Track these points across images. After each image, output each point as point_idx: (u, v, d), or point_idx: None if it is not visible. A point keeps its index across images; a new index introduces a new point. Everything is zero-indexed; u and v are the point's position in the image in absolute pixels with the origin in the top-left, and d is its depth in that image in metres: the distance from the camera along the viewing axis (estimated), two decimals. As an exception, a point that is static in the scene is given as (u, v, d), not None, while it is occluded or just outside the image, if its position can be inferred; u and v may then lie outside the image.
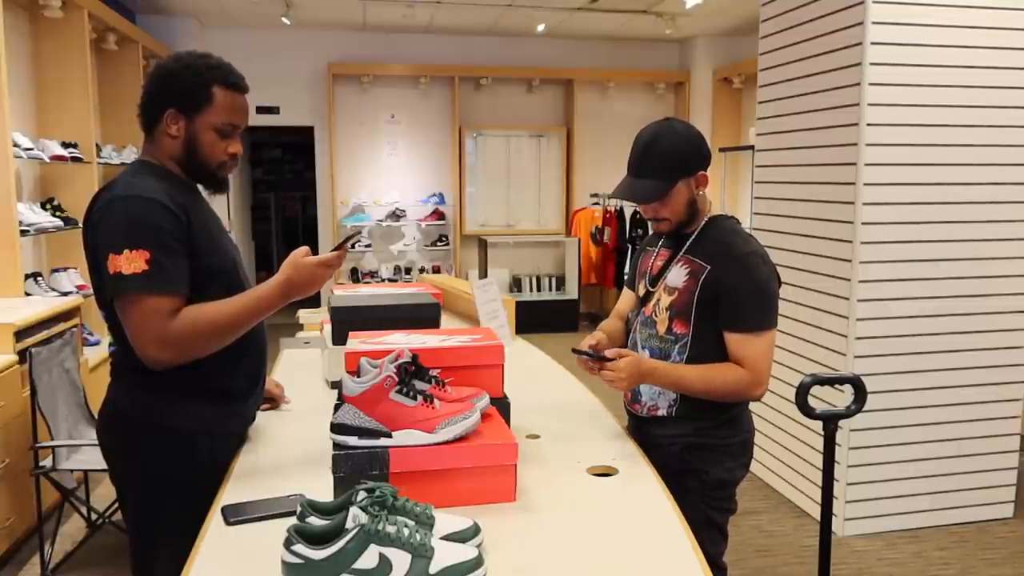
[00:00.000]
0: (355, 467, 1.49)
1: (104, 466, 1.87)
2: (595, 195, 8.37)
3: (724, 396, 1.93)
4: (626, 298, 2.26)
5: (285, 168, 11.83)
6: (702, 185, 1.97)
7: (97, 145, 5.17)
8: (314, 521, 1.26)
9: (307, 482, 1.63)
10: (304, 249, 1.76)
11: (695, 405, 1.96)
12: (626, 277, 2.30)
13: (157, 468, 1.75)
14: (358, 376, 1.60)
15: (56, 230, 4.43)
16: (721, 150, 7.42)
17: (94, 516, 3.33)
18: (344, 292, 2.65)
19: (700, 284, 1.93)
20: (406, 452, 1.50)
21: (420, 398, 1.55)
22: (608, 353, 1.88)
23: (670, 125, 1.95)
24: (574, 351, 1.95)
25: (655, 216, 2.00)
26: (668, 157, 1.92)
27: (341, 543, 1.19)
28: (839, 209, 3.50)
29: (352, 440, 1.51)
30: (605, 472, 1.77)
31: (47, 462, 3.07)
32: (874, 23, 3.29)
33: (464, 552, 1.26)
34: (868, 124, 3.34)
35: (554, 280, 8.61)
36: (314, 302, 2.19)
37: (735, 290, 1.89)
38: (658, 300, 2.02)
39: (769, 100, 4.07)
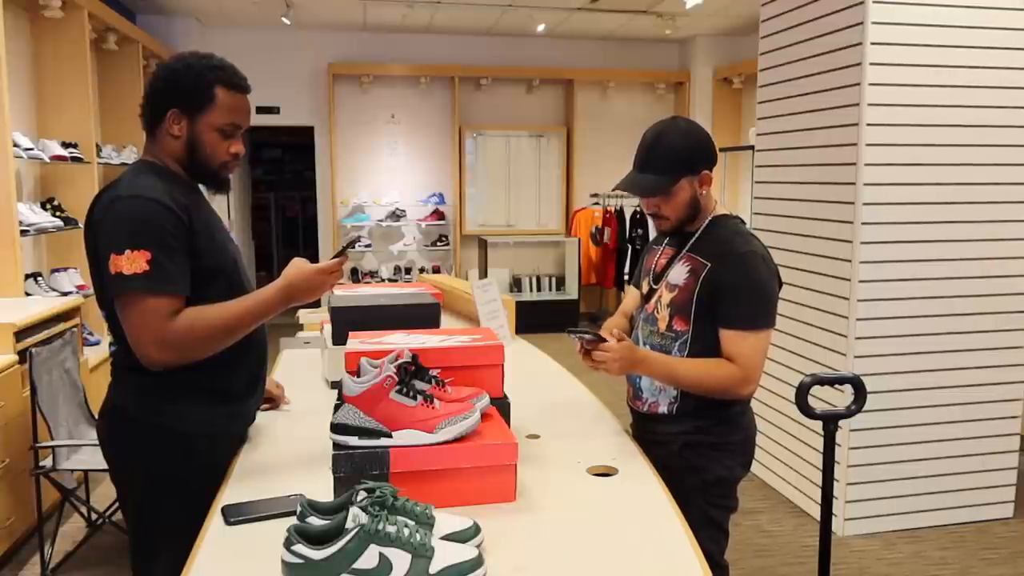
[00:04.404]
0: (355, 467, 1.49)
1: (104, 466, 1.87)
2: (595, 195, 8.37)
3: (713, 392, 1.93)
4: (631, 296, 2.26)
5: (285, 168, 11.84)
6: (706, 184, 1.97)
7: (97, 145, 5.16)
8: (314, 521, 1.26)
9: (307, 482, 1.63)
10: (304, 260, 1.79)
11: (696, 403, 1.97)
12: (627, 276, 2.30)
13: (157, 468, 1.75)
14: (358, 376, 1.60)
15: (56, 230, 4.43)
16: (721, 150, 7.41)
17: (94, 516, 3.33)
18: (344, 292, 2.65)
19: (700, 282, 1.93)
20: (406, 452, 1.50)
21: (420, 398, 1.55)
22: (610, 336, 1.88)
23: (676, 124, 1.96)
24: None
25: (657, 213, 2.00)
26: (672, 154, 1.92)
27: (341, 543, 1.19)
28: (839, 209, 3.50)
29: (352, 440, 1.51)
30: (605, 472, 1.77)
31: (47, 462, 3.07)
32: (874, 23, 3.29)
33: (464, 552, 1.26)
34: (868, 124, 3.34)
35: (554, 280, 8.60)
36: (314, 302, 2.18)
37: (733, 287, 1.90)
38: (660, 297, 2.03)
39: (769, 100, 4.07)
